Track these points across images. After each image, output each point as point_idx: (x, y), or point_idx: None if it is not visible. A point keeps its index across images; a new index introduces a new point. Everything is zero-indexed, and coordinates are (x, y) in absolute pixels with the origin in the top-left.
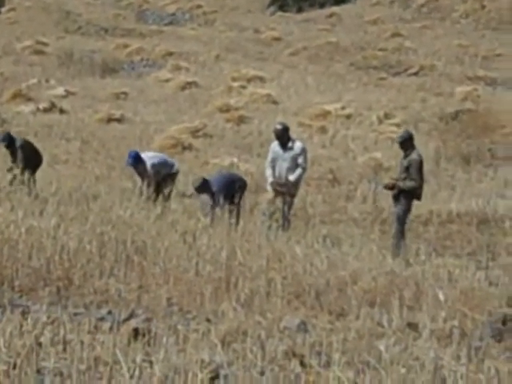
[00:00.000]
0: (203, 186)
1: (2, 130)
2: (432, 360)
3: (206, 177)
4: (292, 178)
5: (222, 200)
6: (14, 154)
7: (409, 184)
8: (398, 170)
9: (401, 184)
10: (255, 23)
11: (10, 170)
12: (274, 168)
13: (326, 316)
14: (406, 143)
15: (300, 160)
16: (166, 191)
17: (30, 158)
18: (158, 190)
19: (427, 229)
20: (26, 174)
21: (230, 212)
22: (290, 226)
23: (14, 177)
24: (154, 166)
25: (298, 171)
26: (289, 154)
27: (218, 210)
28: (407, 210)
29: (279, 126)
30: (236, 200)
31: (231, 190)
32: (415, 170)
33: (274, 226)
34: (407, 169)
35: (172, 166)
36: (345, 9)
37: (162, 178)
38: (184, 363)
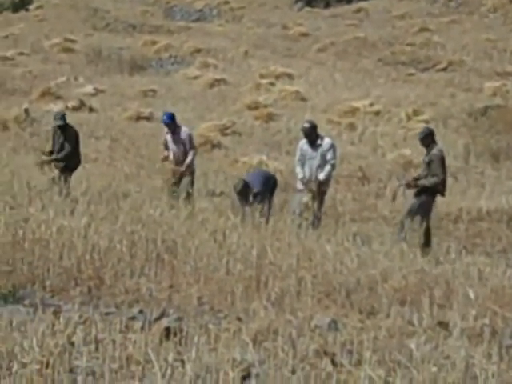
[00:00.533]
0: (245, 189)
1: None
2: (463, 358)
3: (244, 177)
4: (321, 176)
5: (263, 199)
6: (60, 139)
7: (431, 180)
8: (422, 167)
9: (424, 182)
10: (283, 19)
11: (48, 153)
12: (303, 166)
13: (357, 314)
14: (427, 139)
15: (329, 156)
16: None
17: (77, 151)
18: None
19: (457, 226)
20: (63, 172)
21: (260, 210)
22: (320, 224)
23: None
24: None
25: (327, 168)
26: (318, 152)
27: (248, 208)
28: (427, 205)
29: (307, 125)
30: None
31: (269, 187)
32: (437, 166)
33: (305, 224)
34: (429, 165)
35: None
36: (372, 4)
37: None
38: (215, 362)
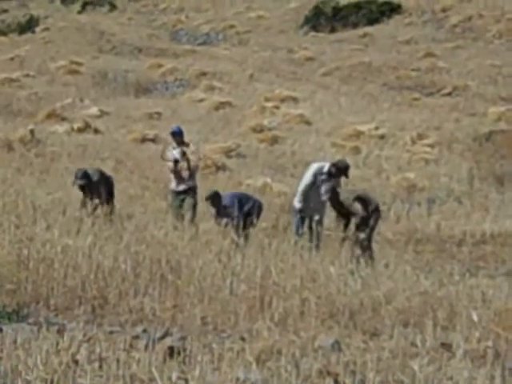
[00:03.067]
0: (214, 198)
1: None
2: (466, 380)
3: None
4: (323, 197)
5: (228, 215)
6: (90, 191)
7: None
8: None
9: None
10: (288, 43)
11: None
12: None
13: (360, 335)
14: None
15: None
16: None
17: (109, 189)
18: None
19: (461, 249)
20: (107, 205)
21: (225, 225)
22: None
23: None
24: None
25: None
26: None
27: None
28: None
29: (343, 165)
30: (249, 221)
31: (241, 207)
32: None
33: (307, 246)
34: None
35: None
36: (378, 29)
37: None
38: (219, 381)
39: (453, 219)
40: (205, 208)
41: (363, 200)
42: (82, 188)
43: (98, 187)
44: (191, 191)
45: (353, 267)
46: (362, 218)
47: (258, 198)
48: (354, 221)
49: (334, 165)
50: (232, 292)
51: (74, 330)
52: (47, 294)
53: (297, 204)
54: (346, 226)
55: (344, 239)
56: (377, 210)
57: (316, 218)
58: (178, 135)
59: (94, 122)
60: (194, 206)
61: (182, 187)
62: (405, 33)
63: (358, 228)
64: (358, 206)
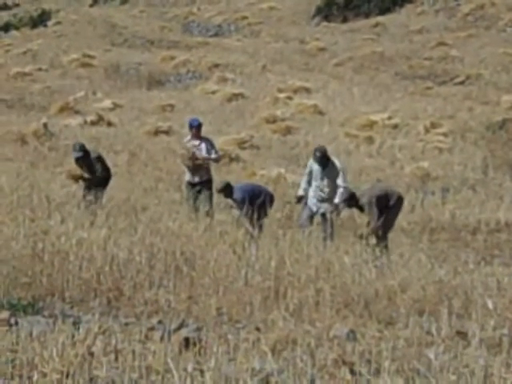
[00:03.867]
0: (225, 190)
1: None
2: (482, 368)
3: (232, 183)
4: (337, 200)
5: (240, 207)
6: (88, 167)
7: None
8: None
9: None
10: (300, 34)
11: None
12: (309, 183)
13: (375, 324)
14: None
15: (340, 180)
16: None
17: (107, 170)
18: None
19: (476, 238)
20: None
21: (237, 219)
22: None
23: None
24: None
25: (341, 192)
26: (328, 173)
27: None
28: None
29: (318, 154)
30: (262, 212)
31: (252, 200)
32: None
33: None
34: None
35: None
36: (390, 18)
37: None
38: (235, 372)
39: (467, 208)
40: (219, 199)
41: (382, 198)
42: (77, 161)
43: (94, 163)
44: (207, 183)
45: (367, 257)
46: (377, 227)
47: (269, 189)
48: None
49: (314, 150)
50: (247, 283)
51: (89, 322)
52: (62, 286)
53: (297, 192)
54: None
55: (361, 237)
56: (399, 201)
57: (321, 210)
58: (195, 128)
59: (107, 114)
60: (211, 198)
61: (197, 179)
62: (417, 22)
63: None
64: (374, 211)
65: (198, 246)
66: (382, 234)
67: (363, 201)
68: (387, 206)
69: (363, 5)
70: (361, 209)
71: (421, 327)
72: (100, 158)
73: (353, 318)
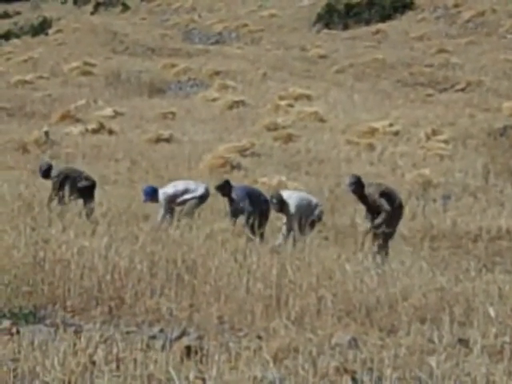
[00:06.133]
0: (224, 187)
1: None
2: (484, 376)
3: (232, 183)
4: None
5: (248, 210)
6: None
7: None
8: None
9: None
10: (301, 41)
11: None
12: None
13: (377, 332)
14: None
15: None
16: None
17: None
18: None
19: (477, 245)
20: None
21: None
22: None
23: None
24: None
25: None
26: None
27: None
28: None
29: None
30: (264, 220)
31: (252, 202)
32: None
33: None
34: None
35: (194, 190)
36: (390, 25)
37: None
38: (236, 380)
39: (468, 215)
40: (220, 206)
41: (388, 195)
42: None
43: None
44: None
45: (369, 264)
46: (388, 213)
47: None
48: (381, 216)
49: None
50: (248, 291)
51: (90, 331)
52: (64, 295)
53: None
54: (373, 220)
55: (368, 232)
56: (400, 206)
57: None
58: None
59: (109, 122)
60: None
61: None
62: (417, 29)
63: (386, 224)
64: (383, 202)
65: (200, 254)
66: (382, 240)
67: (370, 190)
68: (392, 207)
69: (364, 12)
70: (363, 200)
71: (422, 335)
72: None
73: (354, 326)
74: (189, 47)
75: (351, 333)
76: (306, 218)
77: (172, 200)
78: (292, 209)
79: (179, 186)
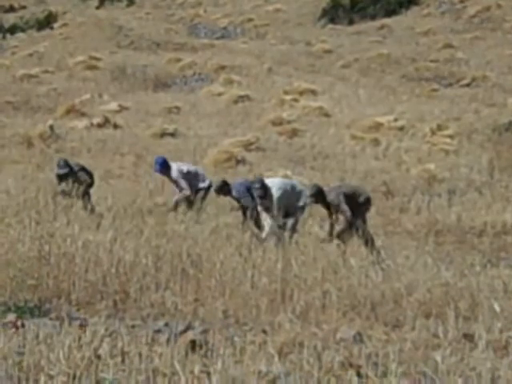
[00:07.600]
0: (222, 188)
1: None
2: (489, 370)
3: (226, 180)
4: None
5: (244, 204)
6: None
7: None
8: None
9: None
10: (306, 36)
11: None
12: None
13: (382, 327)
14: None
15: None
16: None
17: (90, 179)
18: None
19: (482, 240)
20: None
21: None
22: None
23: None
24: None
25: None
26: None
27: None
28: None
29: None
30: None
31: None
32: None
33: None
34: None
35: (203, 180)
36: (396, 20)
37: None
38: (241, 374)
39: (473, 210)
40: (225, 201)
41: (350, 196)
42: (60, 178)
43: (79, 176)
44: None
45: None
46: (349, 221)
47: None
48: (341, 224)
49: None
50: (253, 285)
51: (95, 325)
52: (69, 289)
53: None
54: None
55: (328, 241)
56: (367, 201)
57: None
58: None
59: (114, 117)
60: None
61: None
62: (423, 24)
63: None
64: (345, 208)
65: (205, 248)
66: (366, 235)
67: (331, 197)
68: (356, 205)
69: (369, 7)
70: (327, 207)
71: (427, 330)
72: (84, 170)
73: (359, 321)
74: (194, 42)
75: (356, 327)
76: (292, 204)
77: (186, 178)
78: (274, 192)
79: (191, 167)
